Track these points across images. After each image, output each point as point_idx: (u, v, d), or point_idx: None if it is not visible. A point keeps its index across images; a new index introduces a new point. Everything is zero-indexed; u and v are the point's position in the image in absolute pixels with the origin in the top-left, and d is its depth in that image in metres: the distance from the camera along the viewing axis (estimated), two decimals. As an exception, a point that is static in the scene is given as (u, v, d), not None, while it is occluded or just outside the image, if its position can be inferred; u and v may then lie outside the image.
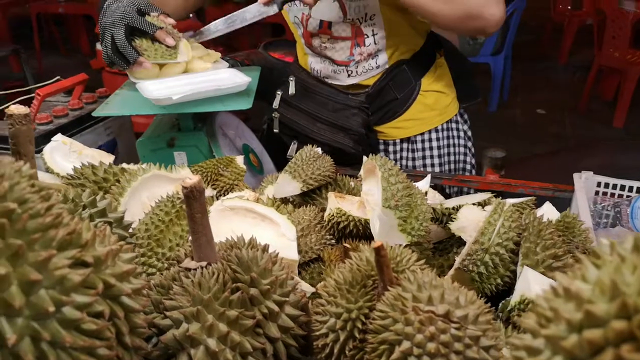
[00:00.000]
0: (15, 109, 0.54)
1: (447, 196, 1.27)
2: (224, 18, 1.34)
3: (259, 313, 0.52)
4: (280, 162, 1.53)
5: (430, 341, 0.43)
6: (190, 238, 0.81)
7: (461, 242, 0.92)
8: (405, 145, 1.42)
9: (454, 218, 0.91)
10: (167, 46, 1.21)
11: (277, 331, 0.52)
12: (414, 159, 1.43)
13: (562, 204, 1.03)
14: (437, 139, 1.42)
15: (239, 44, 5.38)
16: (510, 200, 0.93)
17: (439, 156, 1.42)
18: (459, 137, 1.45)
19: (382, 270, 0.48)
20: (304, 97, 1.42)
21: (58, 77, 1.45)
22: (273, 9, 1.26)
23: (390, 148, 1.43)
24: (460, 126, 1.46)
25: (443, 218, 0.97)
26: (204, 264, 0.54)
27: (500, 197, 0.93)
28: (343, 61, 1.37)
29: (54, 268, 0.33)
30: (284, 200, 1.02)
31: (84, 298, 0.35)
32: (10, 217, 0.32)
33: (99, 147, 1.45)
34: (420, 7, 1.16)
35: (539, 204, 0.99)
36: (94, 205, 0.64)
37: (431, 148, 1.42)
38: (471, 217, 0.91)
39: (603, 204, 1.23)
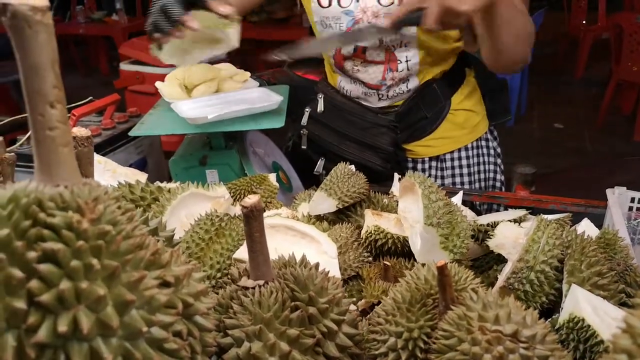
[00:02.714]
0: (78, 131, 0.56)
1: (477, 213, 1.27)
2: (335, 34, 1.30)
3: (317, 332, 0.52)
4: (306, 179, 1.53)
5: (498, 361, 0.43)
6: (233, 256, 0.82)
7: (499, 260, 0.91)
8: (434, 164, 1.42)
9: (491, 235, 0.90)
10: (220, 15, 1.13)
11: (335, 350, 0.52)
12: (442, 177, 1.42)
13: (594, 220, 1.02)
14: (467, 157, 1.42)
15: (254, 63, 5.46)
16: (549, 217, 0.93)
17: (469, 174, 1.42)
18: (488, 154, 1.45)
19: (445, 290, 0.48)
20: (333, 115, 1.42)
21: (91, 98, 1.49)
22: (389, 32, 1.20)
23: (419, 166, 1.43)
24: (490, 144, 1.45)
25: (479, 235, 0.96)
26: (261, 282, 0.55)
27: (541, 214, 0.92)
28: (375, 85, 1.38)
29: (144, 288, 0.33)
30: (319, 218, 1.02)
31: (168, 318, 0.35)
32: (105, 239, 0.33)
33: (130, 166, 1.48)
34: (502, 49, 1.19)
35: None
36: (146, 224, 0.65)
37: (460, 166, 1.42)
38: (508, 234, 0.91)
39: (637, 220, 1.22)
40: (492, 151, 1.46)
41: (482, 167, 1.44)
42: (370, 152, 1.37)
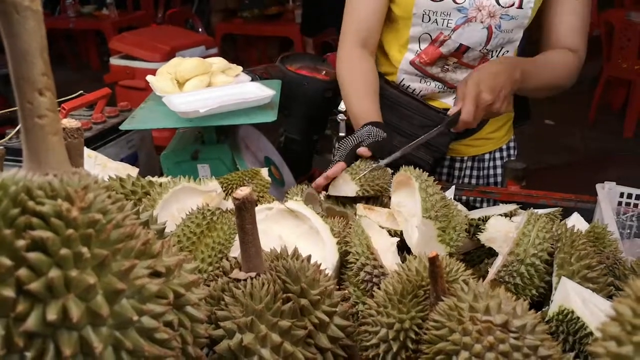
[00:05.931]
0: (67, 122, 0.55)
1: (469, 207, 1.27)
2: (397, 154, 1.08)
3: (309, 323, 0.52)
4: (298, 174, 1.53)
5: (489, 351, 0.43)
6: (229, 254, 0.81)
7: (490, 253, 0.92)
8: (469, 164, 1.43)
9: (482, 229, 0.91)
10: None
11: (327, 342, 0.52)
12: (479, 177, 1.44)
13: (584, 215, 1.04)
14: (501, 158, 1.44)
15: (246, 57, 5.44)
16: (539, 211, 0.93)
17: (502, 175, 1.43)
18: (514, 154, 1.48)
19: (436, 281, 0.48)
20: (383, 107, 1.30)
21: (81, 92, 1.47)
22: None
23: (457, 165, 1.44)
24: (515, 144, 1.49)
25: (470, 229, 0.97)
26: (253, 274, 0.55)
27: (531, 208, 0.92)
28: (456, 85, 1.31)
29: (134, 278, 0.33)
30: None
31: (159, 308, 0.35)
32: (95, 227, 0.32)
33: (121, 161, 1.47)
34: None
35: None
36: (137, 217, 0.65)
37: (495, 167, 1.44)
38: (500, 227, 0.91)
39: (627, 215, 1.23)
40: (516, 151, 1.50)
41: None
42: (423, 150, 1.31)
